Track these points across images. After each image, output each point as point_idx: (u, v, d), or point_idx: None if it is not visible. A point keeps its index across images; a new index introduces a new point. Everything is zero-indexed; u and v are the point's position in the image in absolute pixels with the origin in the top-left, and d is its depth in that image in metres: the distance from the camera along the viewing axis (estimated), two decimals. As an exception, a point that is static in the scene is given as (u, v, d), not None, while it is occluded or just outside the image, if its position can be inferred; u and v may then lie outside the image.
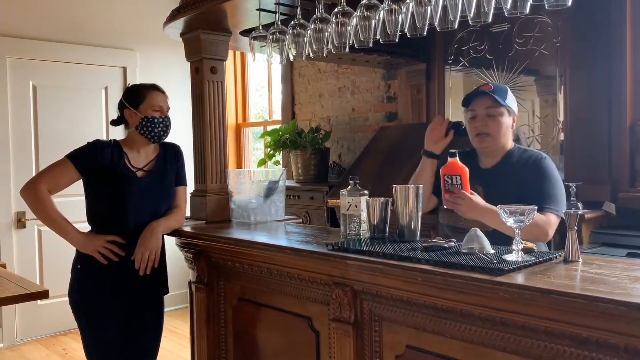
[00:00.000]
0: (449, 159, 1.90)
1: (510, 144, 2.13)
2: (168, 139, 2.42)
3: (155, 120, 2.31)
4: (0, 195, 4.28)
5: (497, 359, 1.46)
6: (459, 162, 1.89)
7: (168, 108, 2.39)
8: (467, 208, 1.90)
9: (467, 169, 1.89)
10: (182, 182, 2.48)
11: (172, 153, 2.45)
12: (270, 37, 2.34)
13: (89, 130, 4.48)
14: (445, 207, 1.96)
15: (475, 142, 2.12)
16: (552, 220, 1.93)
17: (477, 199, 1.90)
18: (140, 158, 2.37)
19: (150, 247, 2.26)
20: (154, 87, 2.38)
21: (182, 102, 3.39)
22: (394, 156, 3.64)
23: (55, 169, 2.26)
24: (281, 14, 2.37)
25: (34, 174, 2.35)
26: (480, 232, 1.67)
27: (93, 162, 2.26)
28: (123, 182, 2.27)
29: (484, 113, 2.07)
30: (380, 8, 1.91)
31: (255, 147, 5.86)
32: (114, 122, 2.44)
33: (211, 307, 2.37)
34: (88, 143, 2.33)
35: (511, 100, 2.11)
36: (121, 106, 2.38)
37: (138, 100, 2.33)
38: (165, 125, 2.35)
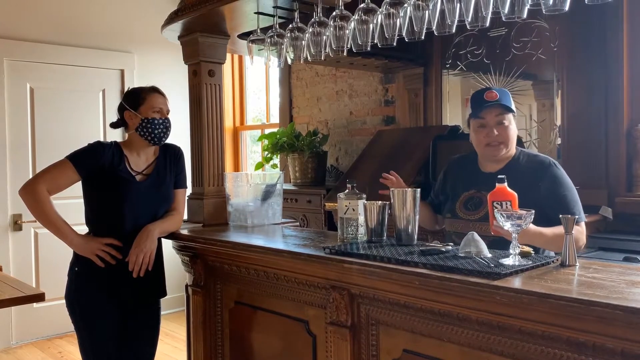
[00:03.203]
0: (498, 185, 1.83)
1: (514, 148, 2.11)
2: (168, 140, 2.42)
3: (155, 122, 2.31)
4: (-4, 198, 4.27)
5: (494, 363, 1.46)
6: (508, 188, 1.84)
7: (168, 110, 2.38)
8: (519, 234, 1.83)
9: (516, 194, 1.82)
10: (181, 184, 2.47)
11: (172, 154, 2.44)
12: (269, 40, 2.34)
13: (87, 132, 4.47)
14: (493, 233, 1.86)
15: (487, 151, 2.08)
16: (583, 228, 1.98)
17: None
18: (141, 161, 2.36)
19: (145, 249, 2.25)
20: (154, 89, 2.38)
21: (179, 105, 3.39)
22: (391, 159, 3.64)
23: (55, 169, 2.25)
24: (279, 17, 2.37)
25: (31, 177, 2.34)
26: (477, 236, 1.67)
27: (93, 164, 2.26)
28: (122, 186, 2.27)
29: (494, 122, 2.05)
30: (378, 12, 1.91)
31: (252, 150, 5.86)
32: (114, 125, 2.43)
33: (208, 310, 2.36)
34: (89, 144, 2.32)
35: (513, 104, 2.10)
36: (121, 108, 2.38)
37: (138, 102, 2.33)
38: (165, 126, 2.35)
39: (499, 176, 1.84)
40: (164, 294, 2.46)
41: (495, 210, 1.65)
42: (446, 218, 2.19)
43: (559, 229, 1.83)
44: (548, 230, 1.84)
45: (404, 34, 1.87)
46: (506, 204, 1.83)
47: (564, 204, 1.95)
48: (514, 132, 2.08)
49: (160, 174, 2.38)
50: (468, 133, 3.58)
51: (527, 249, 1.65)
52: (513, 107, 2.08)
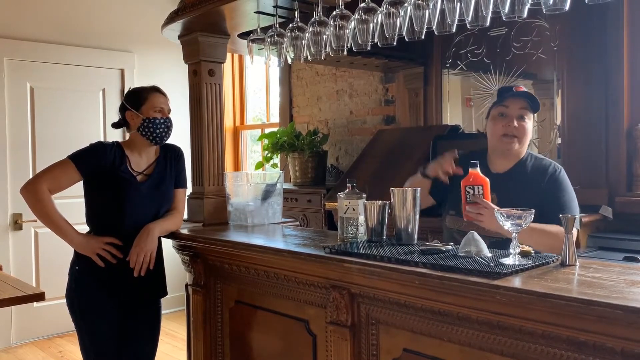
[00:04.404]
0: (470, 170, 1.85)
1: (525, 149, 2.10)
2: (168, 140, 2.42)
3: (157, 121, 2.31)
4: (-3, 197, 4.27)
5: (494, 362, 1.46)
6: (480, 173, 1.85)
7: (169, 110, 2.39)
8: (489, 219, 1.81)
9: (487, 180, 1.84)
10: (181, 184, 2.47)
11: (173, 154, 2.45)
12: (269, 39, 2.34)
13: (87, 132, 4.48)
14: (465, 220, 1.89)
15: (501, 142, 2.05)
16: (574, 234, 1.95)
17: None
18: (142, 161, 2.36)
19: (146, 248, 2.26)
20: (155, 89, 2.38)
21: (180, 105, 3.39)
22: (391, 159, 3.64)
23: (57, 169, 2.26)
24: (279, 16, 2.37)
25: (31, 176, 2.35)
26: (477, 235, 1.67)
27: (95, 164, 2.26)
28: (123, 186, 2.27)
29: (517, 114, 2.03)
30: (379, 11, 1.91)
31: (252, 149, 5.86)
32: (116, 125, 2.44)
33: (208, 310, 2.36)
34: (91, 144, 2.33)
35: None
36: (122, 108, 2.38)
37: (139, 102, 2.33)
38: (167, 126, 2.35)
39: (472, 161, 1.85)
40: (165, 293, 2.46)
41: (496, 210, 1.65)
42: (449, 215, 2.19)
43: (546, 225, 1.83)
44: (532, 224, 1.81)
45: (404, 34, 1.87)
46: (478, 188, 1.83)
47: (561, 208, 1.93)
48: (530, 131, 2.06)
49: (160, 174, 2.38)
50: (468, 133, 3.61)
51: (527, 248, 1.64)
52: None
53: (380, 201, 1.91)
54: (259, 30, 2.43)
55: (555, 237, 1.82)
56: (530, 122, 2.06)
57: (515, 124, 2.02)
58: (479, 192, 1.83)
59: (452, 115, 3.75)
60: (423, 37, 1.84)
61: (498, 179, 2.03)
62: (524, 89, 2.06)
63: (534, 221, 1.69)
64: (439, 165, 2.06)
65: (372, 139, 4.05)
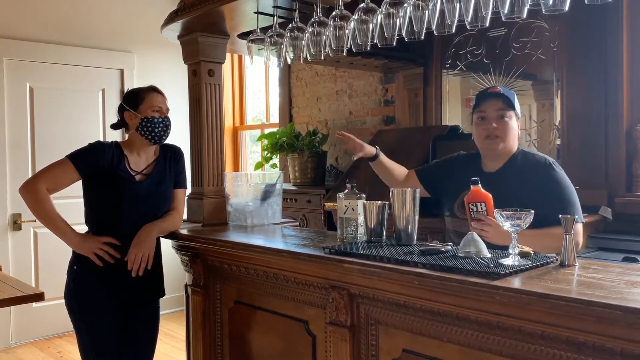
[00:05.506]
0: (472, 187, 1.88)
1: (515, 147, 2.11)
2: (167, 140, 2.42)
3: (155, 120, 2.31)
4: (-4, 197, 4.27)
5: (493, 363, 1.45)
6: (482, 189, 1.87)
7: (167, 109, 2.39)
8: (494, 234, 1.85)
9: (490, 195, 1.86)
10: (181, 184, 2.47)
11: (172, 155, 2.44)
12: (268, 40, 2.34)
13: (86, 132, 4.48)
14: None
15: (485, 144, 2.10)
16: (579, 230, 1.96)
17: None
18: (141, 161, 2.36)
19: (144, 248, 2.25)
20: (153, 89, 2.39)
21: (179, 105, 3.39)
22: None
23: (56, 168, 2.26)
24: (279, 17, 2.37)
25: (30, 176, 2.35)
26: (477, 235, 1.67)
27: (93, 164, 2.26)
28: (121, 185, 2.27)
29: (495, 115, 2.06)
30: (378, 12, 1.91)
31: (252, 150, 5.86)
32: (115, 126, 2.44)
33: (207, 310, 2.36)
34: (89, 144, 2.33)
35: (517, 105, 2.11)
36: (121, 109, 2.38)
37: (137, 102, 2.33)
38: (165, 125, 2.35)
39: (472, 178, 1.86)
40: (162, 294, 2.46)
41: (496, 211, 1.65)
42: (445, 216, 2.21)
43: (542, 230, 1.83)
44: (527, 231, 1.79)
45: (403, 34, 1.87)
46: (481, 205, 1.86)
47: (559, 205, 1.92)
48: (514, 129, 2.07)
49: (159, 174, 2.38)
50: (468, 133, 3.61)
51: (526, 249, 1.64)
52: (516, 105, 2.08)
53: (379, 201, 1.91)
54: (258, 30, 2.43)
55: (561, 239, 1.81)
56: (512, 120, 2.07)
57: (495, 124, 2.05)
58: (481, 208, 1.87)
59: (452, 115, 3.75)
60: (423, 37, 1.84)
61: (491, 177, 2.06)
62: (499, 89, 2.09)
63: (535, 219, 1.69)
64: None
65: (371, 140, 4.04)
